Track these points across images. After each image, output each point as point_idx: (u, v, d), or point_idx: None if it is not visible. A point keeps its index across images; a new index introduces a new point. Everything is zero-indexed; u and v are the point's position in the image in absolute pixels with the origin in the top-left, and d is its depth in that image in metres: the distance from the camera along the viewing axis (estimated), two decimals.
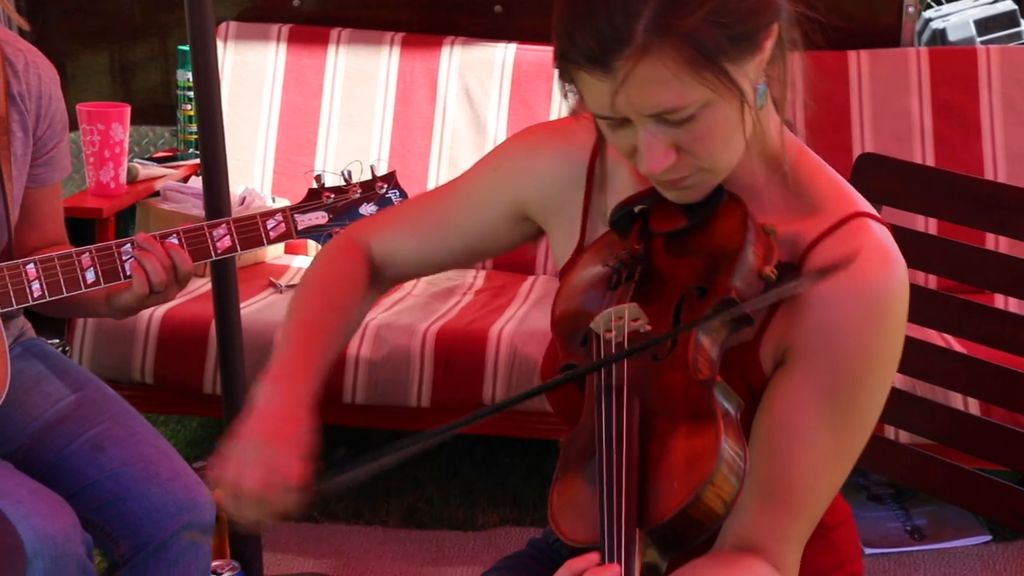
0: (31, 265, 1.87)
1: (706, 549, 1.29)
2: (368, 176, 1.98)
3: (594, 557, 1.13)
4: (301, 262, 3.43)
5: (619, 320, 1.26)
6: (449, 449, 3.39)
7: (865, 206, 1.32)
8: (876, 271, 1.26)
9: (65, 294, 1.88)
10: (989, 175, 3.28)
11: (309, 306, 1.47)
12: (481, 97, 3.47)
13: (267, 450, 1.29)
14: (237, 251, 1.93)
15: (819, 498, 1.30)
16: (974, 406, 2.48)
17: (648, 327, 1.25)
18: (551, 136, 1.48)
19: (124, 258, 1.89)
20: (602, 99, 1.21)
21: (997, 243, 2.88)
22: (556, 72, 1.26)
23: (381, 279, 1.54)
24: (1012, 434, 1.75)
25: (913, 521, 3.03)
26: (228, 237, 1.91)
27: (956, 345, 2.27)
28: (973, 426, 1.80)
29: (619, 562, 1.11)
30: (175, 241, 1.90)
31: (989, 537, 2.98)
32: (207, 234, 1.90)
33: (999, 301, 2.87)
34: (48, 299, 1.89)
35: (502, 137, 3.45)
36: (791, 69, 1.27)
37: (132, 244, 1.89)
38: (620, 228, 1.36)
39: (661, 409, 1.20)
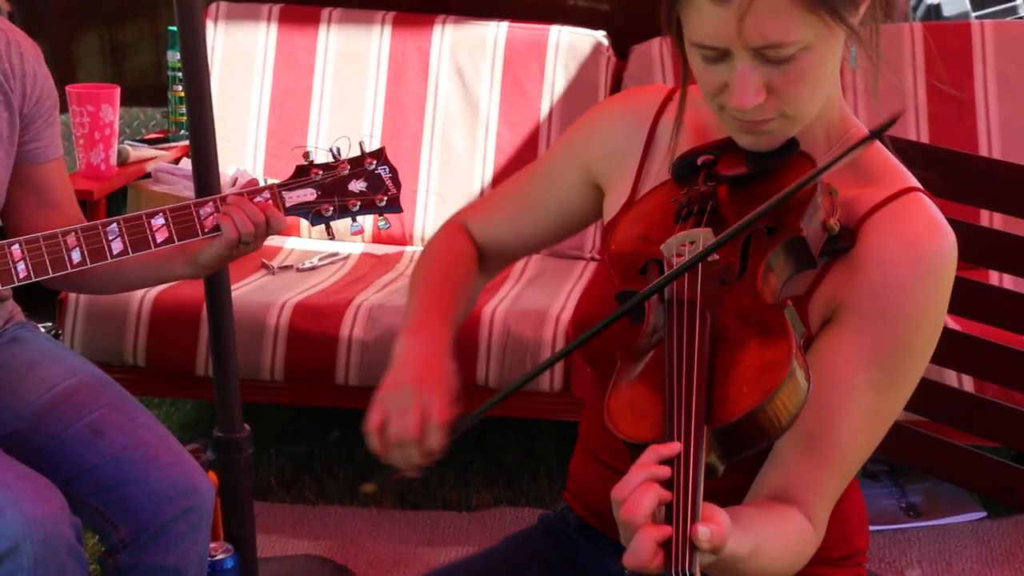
0: (16, 246, 1.86)
1: (756, 467, 1.32)
2: (357, 152, 1.96)
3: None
4: (294, 243, 3.42)
5: (690, 245, 1.31)
6: None
7: (915, 182, 1.37)
8: (932, 239, 1.32)
9: (51, 274, 1.86)
10: (983, 151, 3.27)
11: (433, 277, 1.55)
12: (473, 76, 3.46)
13: (419, 395, 1.34)
14: None
15: (856, 457, 1.33)
16: (968, 383, 2.47)
17: (716, 257, 1.29)
18: (619, 103, 1.57)
19: (110, 237, 1.87)
20: (711, 27, 1.25)
21: (992, 219, 2.87)
22: (664, 7, 1.30)
23: (487, 262, 1.62)
24: (1006, 411, 1.74)
25: (908, 498, 3.03)
26: (216, 215, 1.89)
27: (950, 322, 2.25)
28: (967, 403, 1.80)
29: (683, 457, 1.13)
30: (162, 221, 1.88)
31: (983, 514, 2.98)
32: (194, 212, 1.89)
33: (993, 277, 2.86)
34: (34, 279, 1.87)
35: (494, 116, 3.43)
36: (875, 39, 1.31)
37: (117, 224, 1.87)
38: (683, 176, 1.41)
39: (731, 325, 1.24)
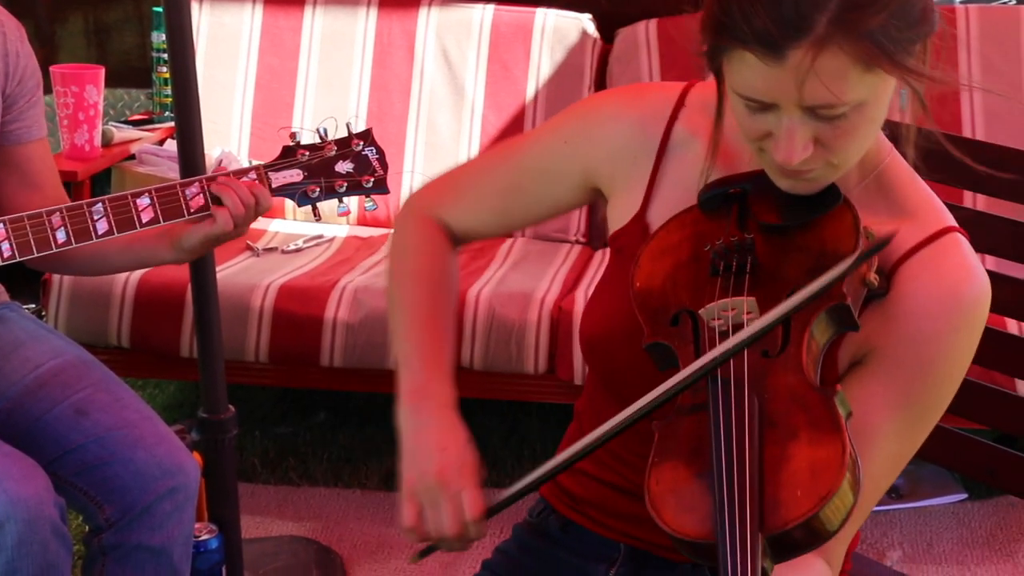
0: (0, 226, 1.85)
1: None
2: (344, 133, 1.96)
3: None
4: (279, 226, 3.41)
5: (731, 312, 1.25)
6: None
7: (952, 220, 1.34)
8: (969, 289, 1.29)
9: (36, 254, 1.86)
10: (967, 135, 3.28)
11: (416, 304, 1.47)
12: (459, 59, 3.45)
13: (443, 491, 1.32)
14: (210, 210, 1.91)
15: (874, 499, 1.32)
16: None
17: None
18: (626, 102, 1.47)
19: (95, 218, 1.87)
20: (761, 84, 1.20)
21: (975, 201, 2.88)
22: (706, 45, 1.24)
23: (458, 244, 1.56)
24: (988, 391, 1.75)
25: None
26: (201, 195, 1.89)
27: None
28: None
29: (739, 564, 1.10)
30: (147, 201, 1.88)
31: (965, 495, 3.00)
32: (180, 193, 1.89)
33: None
34: (19, 259, 1.87)
35: (480, 99, 3.43)
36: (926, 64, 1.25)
37: (103, 204, 1.87)
38: (711, 208, 1.34)
39: (778, 411, 1.19)
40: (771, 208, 1.30)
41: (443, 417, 1.37)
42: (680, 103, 1.43)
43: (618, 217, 1.45)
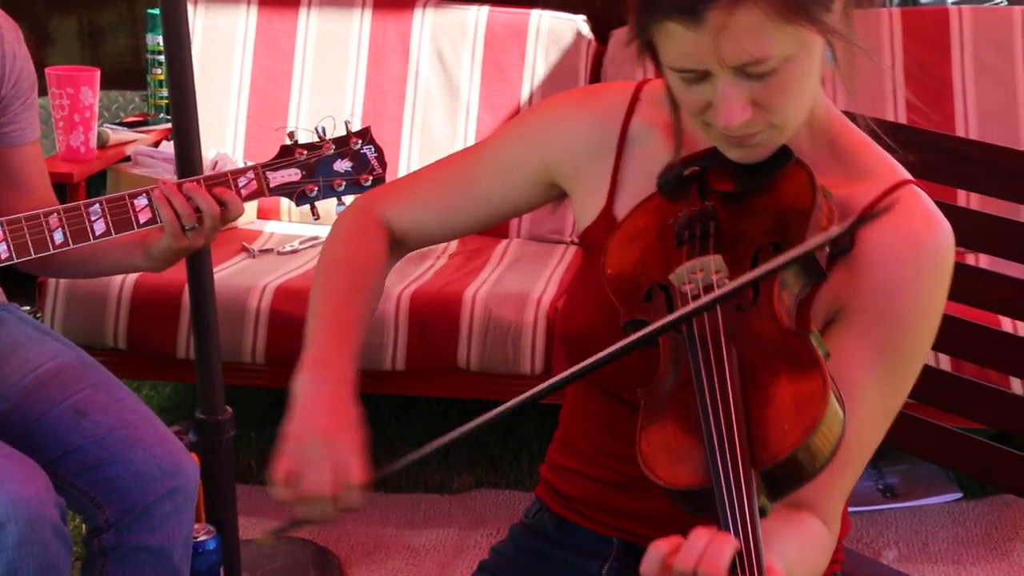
0: None
1: None
2: (342, 132, 1.96)
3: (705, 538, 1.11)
4: (274, 227, 3.42)
5: (700, 272, 1.27)
6: (423, 412, 3.39)
7: (907, 174, 1.36)
8: (931, 234, 1.32)
9: (33, 255, 1.86)
10: (961, 135, 3.29)
11: (336, 287, 1.47)
12: (454, 60, 3.46)
13: (328, 448, 1.29)
14: None
15: (864, 454, 1.33)
16: (945, 362, 2.49)
17: (727, 280, 1.26)
18: (582, 101, 1.50)
19: (93, 218, 1.87)
20: (687, 50, 1.22)
21: (968, 200, 2.89)
22: (632, 30, 1.27)
23: (402, 248, 1.54)
24: (983, 389, 1.76)
25: (885, 480, 3.05)
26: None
27: None
28: (944, 382, 1.81)
29: (736, 502, 1.11)
30: (144, 202, 1.88)
31: (960, 495, 3.01)
32: (175, 188, 1.89)
33: (969, 257, 2.89)
34: (16, 260, 1.87)
35: (475, 100, 3.44)
36: (851, 30, 1.28)
37: (100, 204, 1.87)
38: (670, 190, 1.37)
39: (756, 357, 1.21)
40: (727, 178, 1.34)
41: (340, 390, 1.35)
42: (635, 98, 1.45)
43: (585, 215, 1.47)
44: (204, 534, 2.27)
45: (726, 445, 1.14)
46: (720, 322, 1.23)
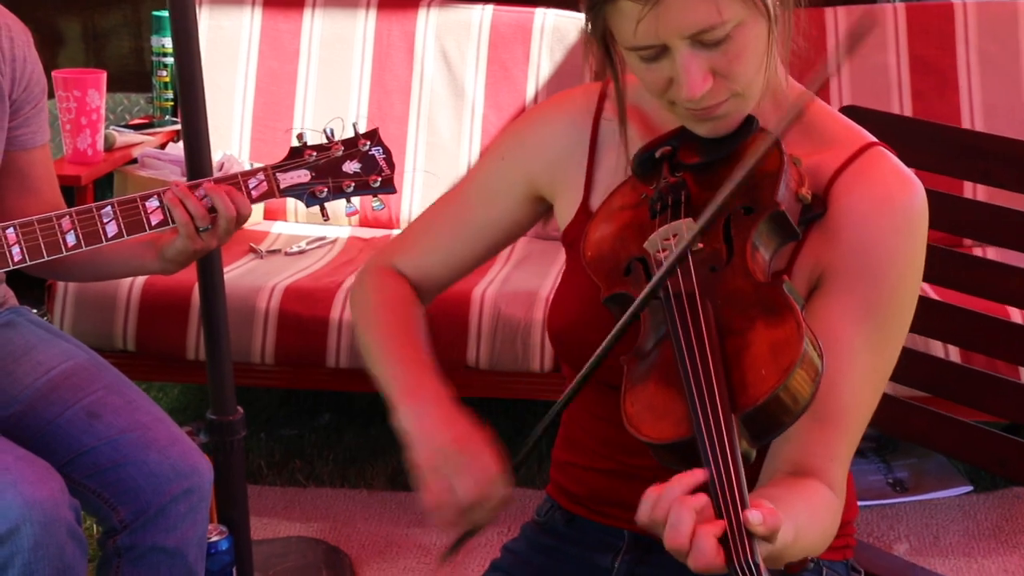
0: (10, 229, 1.86)
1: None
2: (351, 134, 1.97)
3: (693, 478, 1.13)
4: (281, 227, 3.42)
5: (674, 237, 1.30)
6: None
7: (873, 137, 1.38)
8: (902, 191, 1.34)
9: (45, 257, 1.86)
10: (967, 127, 3.29)
11: (386, 331, 1.48)
12: (458, 59, 3.46)
13: (460, 455, 1.32)
14: None
15: (862, 416, 1.34)
16: (955, 353, 2.50)
17: (700, 245, 1.28)
18: (550, 110, 1.52)
19: (105, 220, 1.87)
20: (641, 27, 1.24)
21: (975, 191, 2.90)
22: (587, 20, 1.30)
23: (422, 295, 1.56)
24: (993, 380, 1.77)
25: (895, 474, 3.05)
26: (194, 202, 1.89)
27: (932, 293, 2.29)
28: (954, 374, 1.82)
29: (716, 447, 1.13)
30: (156, 204, 1.89)
31: (970, 488, 3.01)
32: (188, 190, 1.89)
33: (976, 249, 2.89)
34: (29, 263, 1.88)
35: (480, 100, 3.44)
36: (788, 18, 1.32)
37: (112, 206, 1.88)
38: (644, 172, 1.39)
39: (732, 311, 1.23)
40: (697, 153, 1.36)
41: (443, 406, 1.37)
42: (603, 96, 1.48)
43: (565, 215, 1.49)
44: (216, 534, 2.28)
45: (704, 393, 1.16)
46: (694, 279, 1.25)
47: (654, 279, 1.26)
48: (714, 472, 1.12)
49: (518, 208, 1.52)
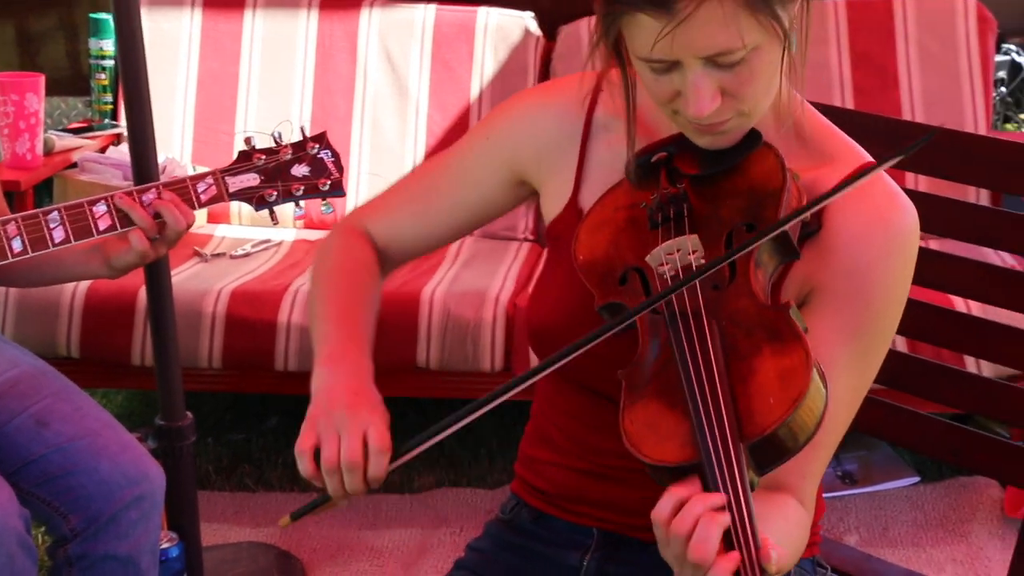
0: None
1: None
2: (298, 137, 1.95)
3: (695, 485, 1.14)
4: (225, 231, 3.39)
5: (676, 253, 1.28)
6: None
7: (868, 155, 1.38)
8: (897, 214, 1.34)
9: None
10: (907, 119, 3.33)
11: (336, 294, 1.47)
12: (402, 59, 3.45)
13: (354, 418, 1.29)
14: None
15: (837, 434, 1.34)
16: (901, 343, 2.52)
17: (702, 260, 1.27)
18: (544, 95, 1.50)
19: (51, 226, 1.84)
20: (658, 41, 1.23)
21: (917, 182, 2.93)
22: (598, 19, 1.28)
23: (387, 262, 1.55)
24: (942, 370, 1.78)
25: (843, 466, 3.08)
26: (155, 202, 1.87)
27: None
28: (903, 364, 1.83)
29: (727, 475, 1.12)
30: (103, 208, 1.86)
31: (917, 478, 3.04)
32: (137, 199, 1.87)
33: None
34: None
35: (424, 99, 3.43)
36: (808, 20, 1.31)
37: (59, 212, 1.85)
38: (640, 177, 1.37)
39: (737, 333, 1.22)
40: (695, 162, 1.35)
41: (359, 375, 1.35)
42: (598, 88, 1.46)
43: (552, 207, 1.47)
44: (167, 541, 2.25)
45: (714, 420, 1.15)
46: (700, 299, 1.24)
47: (656, 296, 1.24)
48: (729, 503, 1.12)
49: (499, 190, 1.50)
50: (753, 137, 1.33)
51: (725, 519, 1.11)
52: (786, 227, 1.26)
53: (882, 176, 1.35)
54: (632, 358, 1.26)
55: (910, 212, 1.35)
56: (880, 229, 1.32)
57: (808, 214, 1.30)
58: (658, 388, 1.22)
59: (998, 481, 2.96)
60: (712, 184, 1.34)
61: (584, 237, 1.37)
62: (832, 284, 1.32)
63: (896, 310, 1.35)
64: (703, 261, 1.27)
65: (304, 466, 1.29)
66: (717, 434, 1.14)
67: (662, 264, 1.29)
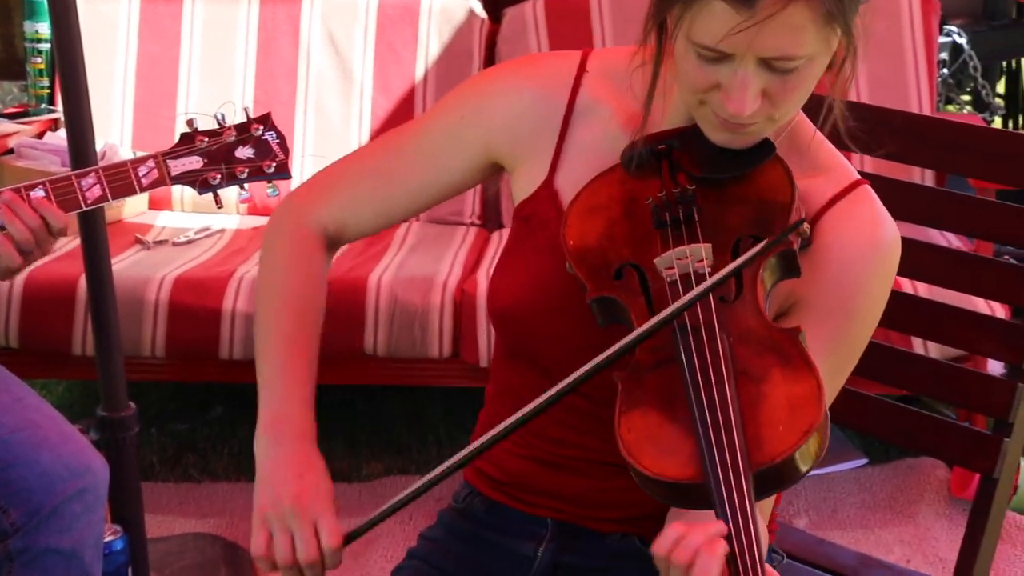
0: None
1: None
2: (242, 118, 1.91)
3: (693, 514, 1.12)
4: (167, 218, 3.34)
5: (687, 259, 1.27)
6: (329, 400, 3.35)
7: (857, 174, 1.39)
8: (884, 236, 1.35)
9: None
10: (853, 99, 3.34)
11: (282, 325, 1.45)
12: (346, 42, 3.41)
13: (304, 515, 1.32)
14: (108, 200, 1.85)
15: None
16: None
17: (709, 269, 1.25)
18: (520, 75, 1.46)
19: None
20: (724, 31, 1.21)
21: (863, 163, 2.93)
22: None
23: (339, 244, 1.51)
24: (891, 353, 1.79)
25: None
26: (98, 186, 1.83)
27: None
28: None
29: (735, 502, 1.11)
30: (41, 193, 1.81)
31: (865, 460, 3.06)
32: (76, 184, 1.82)
33: None
34: None
35: (368, 82, 3.39)
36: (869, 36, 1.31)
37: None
38: (637, 166, 1.34)
39: (746, 351, 1.21)
40: (702, 161, 1.32)
41: (302, 448, 1.37)
42: (582, 69, 1.42)
43: (524, 187, 1.44)
44: (111, 534, 2.22)
45: (724, 443, 1.13)
46: (713, 312, 1.22)
47: (672, 309, 1.21)
48: (732, 529, 1.10)
49: (468, 170, 1.46)
50: (766, 147, 1.32)
51: (724, 549, 1.10)
52: (793, 244, 1.26)
53: (872, 196, 1.37)
54: (631, 363, 1.24)
55: (895, 234, 1.36)
56: (869, 247, 1.34)
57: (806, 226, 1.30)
58: (659, 397, 1.20)
59: (945, 462, 2.98)
60: (720, 187, 1.32)
61: (574, 222, 1.34)
62: (816, 299, 1.33)
63: (872, 328, 1.37)
64: (709, 270, 1.25)
65: (263, 568, 1.33)
66: (728, 458, 1.12)
67: (670, 267, 1.27)
